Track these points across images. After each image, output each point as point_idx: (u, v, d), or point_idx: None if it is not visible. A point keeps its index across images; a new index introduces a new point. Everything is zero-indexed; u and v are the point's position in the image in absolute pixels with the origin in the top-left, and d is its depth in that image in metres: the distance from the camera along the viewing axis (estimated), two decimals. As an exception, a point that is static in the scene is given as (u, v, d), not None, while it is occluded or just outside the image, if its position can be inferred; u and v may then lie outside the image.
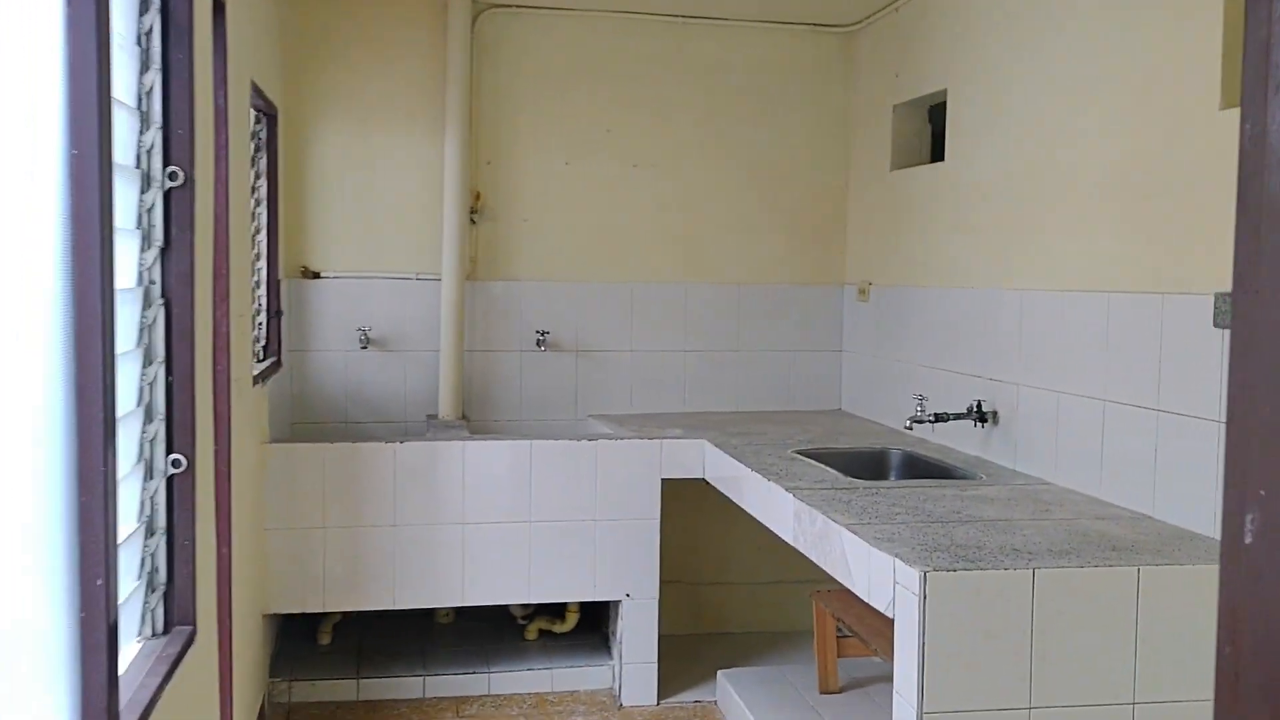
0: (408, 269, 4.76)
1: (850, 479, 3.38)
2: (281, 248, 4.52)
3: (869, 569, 2.57)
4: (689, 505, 4.68)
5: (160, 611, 2.11)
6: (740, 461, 3.69)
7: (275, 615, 4.23)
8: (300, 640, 4.46)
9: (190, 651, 2.09)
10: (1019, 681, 2.34)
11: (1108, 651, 2.38)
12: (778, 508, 3.25)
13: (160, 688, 1.86)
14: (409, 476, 3.96)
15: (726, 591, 4.92)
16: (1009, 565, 2.37)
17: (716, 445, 4.02)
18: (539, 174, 4.84)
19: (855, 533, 2.67)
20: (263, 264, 4.29)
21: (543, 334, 4.82)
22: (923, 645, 2.31)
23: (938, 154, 4.45)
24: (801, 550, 3.05)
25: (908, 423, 3.69)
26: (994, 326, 3.67)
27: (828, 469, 3.53)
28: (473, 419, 4.81)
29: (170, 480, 2.13)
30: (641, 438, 4.15)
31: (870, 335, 4.72)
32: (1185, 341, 2.74)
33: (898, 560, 2.42)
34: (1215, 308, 2.62)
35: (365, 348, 4.71)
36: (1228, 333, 2.54)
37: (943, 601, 2.31)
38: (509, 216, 4.83)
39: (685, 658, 4.53)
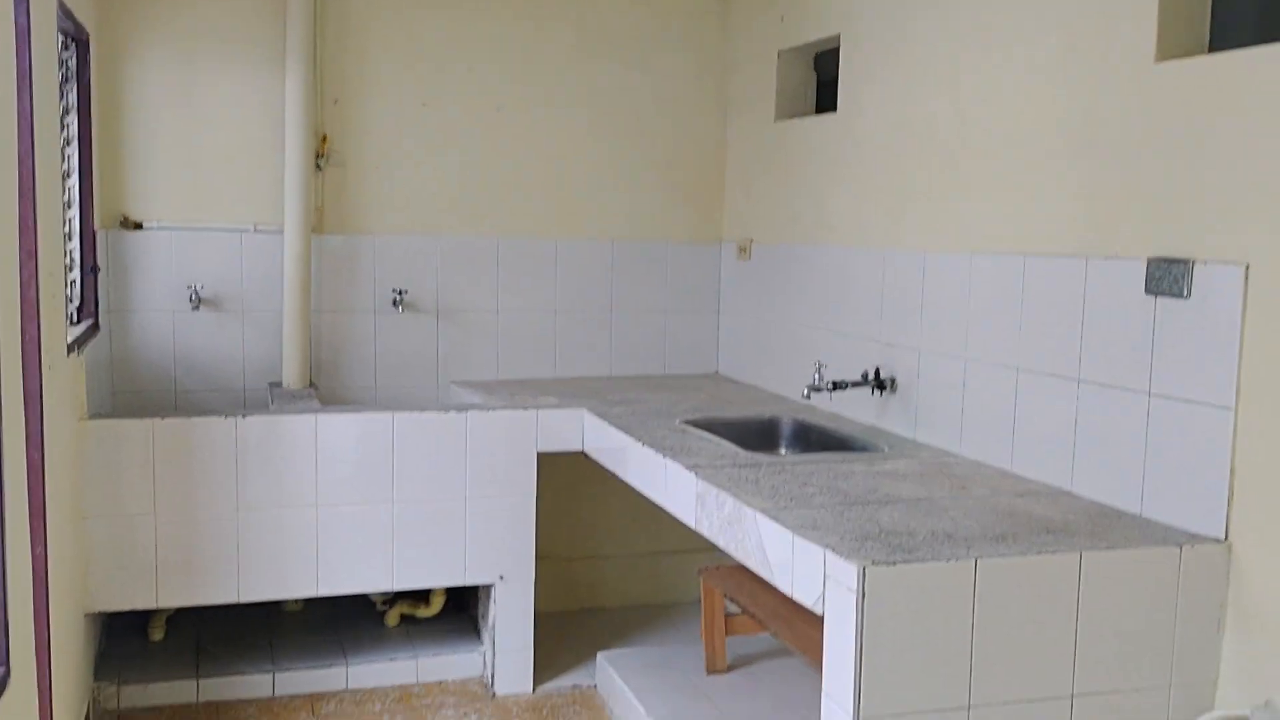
0: (244, 220, 4.26)
1: (750, 453, 3.15)
2: (97, 194, 3.96)
3: (792, 560, 2.34)
4: (558, 476, 4.38)
5: (-42, 651, 1.69)
6: (627, 434, 3.41)
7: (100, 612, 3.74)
8: (129, 636, 3.97)
9: (3, 699, 1.68)
10: (958, 679, 2.16)
11: (1048, 642, 2.22)
12: (676, 487, 3.00)
13: (-40, 758, 1.46)
14: (253, 454, 3.52)
15: (600, 565, 4.66)
16: (950, 556, 2.17)
17: (597, 415, 3.74)
18: (393, 115, 4.40)
19: (775, 519, 2.43)
20: (74, 213, 3.74)
21: (399, 293, 4.41)
22: (860, 646, 2.09)
23: (823, 104, 4.24)
24: (705, 534, 2.81)
25: (805, 391, 3.48)
26: (892, 289, 3.49)
27: (723, 441, 3.29)
28: (322, 387, 4.37)
29: (-33, 488, 1.70)
30: (514, 408, 3.82)
31: (751, 296, 4.50)
32: (1112, 308, 2.59)
33: (830, 552, 2.20)
34: (1149, 274, 2.47)
35: (197, 308, 4.19)
36: (1160, 300, 2.40)
37: (882, 598, 2.10)
38: (360, 162, 4.38)
39: (560, 638, 4.26)
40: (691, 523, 2.89)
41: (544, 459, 3.87)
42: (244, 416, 3.52)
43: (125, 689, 3.62)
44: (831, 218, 3.87)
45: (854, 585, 2.09)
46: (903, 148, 3.44)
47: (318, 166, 4.30)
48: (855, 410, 3.68)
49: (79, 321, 3.78)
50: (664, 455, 3.09)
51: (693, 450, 3.16)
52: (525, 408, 3.82)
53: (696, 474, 2.87)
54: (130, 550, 3.43)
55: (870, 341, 3.60)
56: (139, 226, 4.14)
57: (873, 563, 2.11)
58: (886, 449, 3.24)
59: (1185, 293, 2.37)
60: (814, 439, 3.59)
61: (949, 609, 2.15)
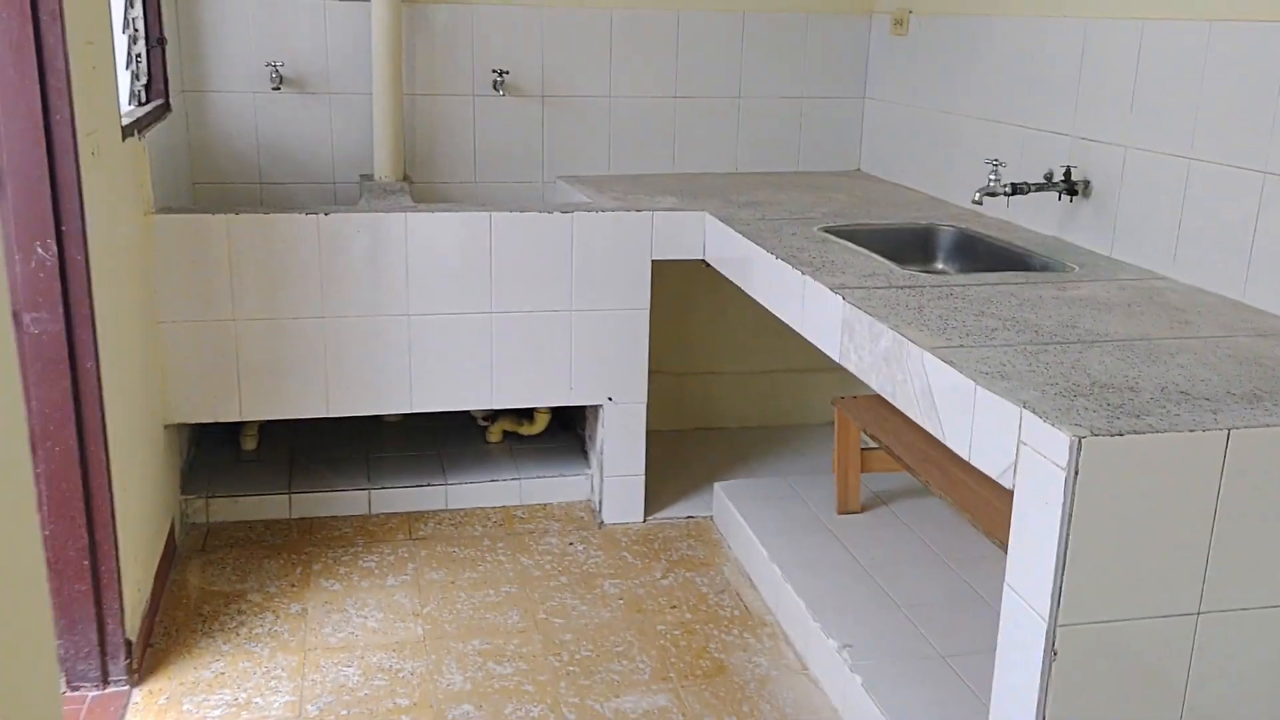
0: (327, -14, 3.75)
1: (909, 271, 2.62)
2: (158, -46, 3.48)
3: (972, 417, 1.86)
4: (673, 284, 3.94)
5: None
6: (757, 244, 2.91)
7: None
8: (221, 447, 3.75)
9: None
10: (1188, 579, 1.69)
11: (1308, 536, 1.72)
12: (817, 311, 2.51)
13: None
14: (339, 256, 3.14)
15: (714, 382, 4.26)
16: (1192, 424, 1.66)
17: (722, 219, 3.23)
18: None
19: (949, 362, 1.94)
20: (133, -25, 3.28)
21: (501, 74, 3.89)
22: (1067, 537, 1.63)
23: None
24: (853, 370, 2.33)
25: (977, 195, 2.90)
26: (1094, 69, 2.83)
27: (873, 255, 2.76)
28: (416, 181, 3.94)
29: None
30: (628, 209, 3.34)
31: (905, 79, 3.85)
32: None
33: (1029, 413, 1.71)
34: None
35: (279, 88, 3.75)
36: None
37: (1101, 477, 1.62)
38: (455, -81, 3.79)
39: (672, 461, 3.92)
40: (835, 354, 2.42)
41: (658, 267, 3.41)
42: (326, 214, 3.12)
43: (214, 503, 3.42)
44: (1016, -18, 3.17)
45: (1064, 460, 1.61)
46: (1123, -114, 2.71)
47: (406, -77, 3.73)
48: (1031, 219, 3.09)
49: (148, 101, 3.38)
50: (802, 271, 2.60)
51: (836, 265, 2.65)
52: (639, 209, 3.33)
53: (844, 297, 2.37)
54: (210, 359, 3.14)
55: (1059, 136, 2.97)
56: (209, -7, 3.67)
57: (1091, 432, 1.61)
58: (1076, 269, 2.68)
59: None
60: (981, 254, 3.04)
61: (1184, 492, 1.65)
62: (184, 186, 3.70)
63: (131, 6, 3.31)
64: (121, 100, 3.25)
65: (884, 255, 2.78)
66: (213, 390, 3.16)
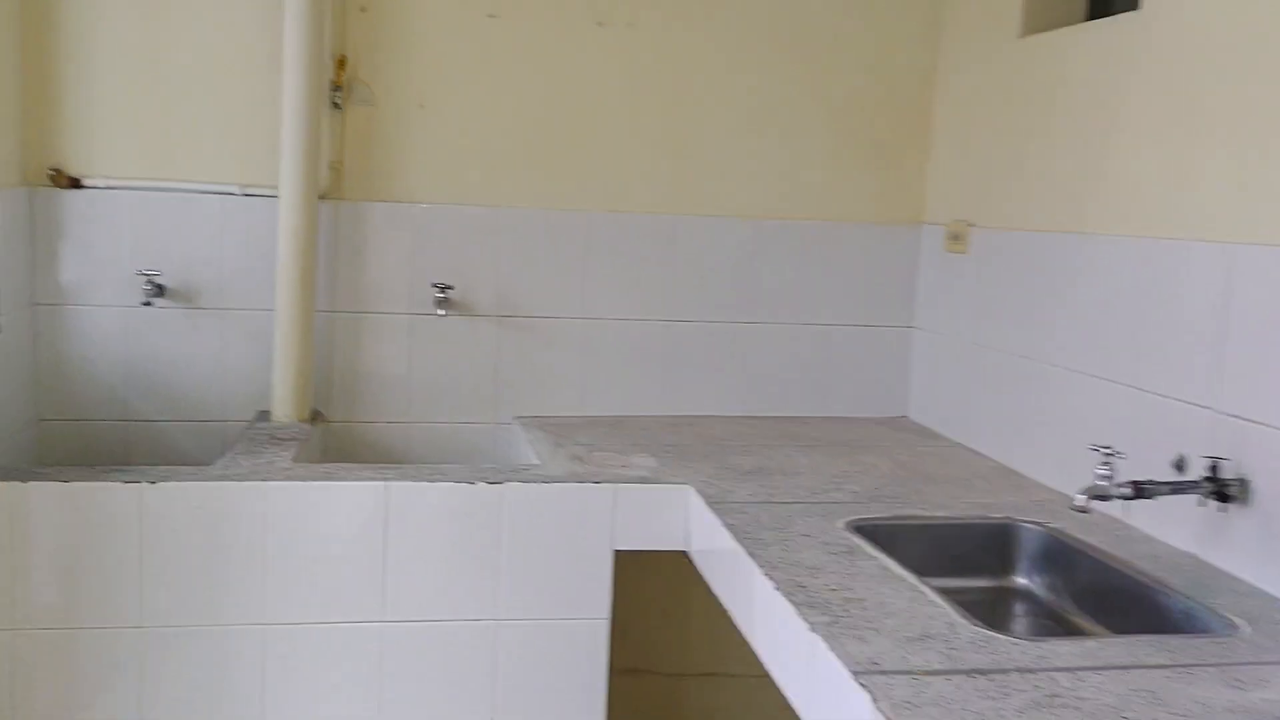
0: (226, 177, 2.99)
1: (983, 629, 1.64)
2: (16, 137, 2.75)
3: None
4: (661, 562, 2.98)
5: None
6: (751, 555, 1.97)
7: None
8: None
9: None
10: None
11: None
12: (830, 698, 1.53)
13: None
14: (168, 542, 2.25)
15: (720, 686, 3.24)
16: None
17: (710, 501, 2.30)
18: (446, 30, 3.04)
19: None
20: (-48, 160, 2.54)
21: (444, 289, 3.06)
22: None
23: (1100, 6, 2.67)
24: (889, 837, 1.33)
25: (1080, 499, 1.91)
26: (1245, 314, 1.92)
27: (924, 589, 1.80)
28: (333, 419, 3.07)
29: None
30: (582, 479, 2.42)
31: (966, 307, 2.96)
32: None
33: None
34: None
35: (149, 304, 2.94)
36: None
37: None
38: (396, 98, 3.05)
39: (650, 813, 2.86)
40: (861, 794, 1.42)
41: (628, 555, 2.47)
42: (152, 484, 2.24)
43: None
44: (1120, 188, 2.31)
45: None
46: (1253, 67, 1.86)
47: (335, 104, 3.00)
48: (1153, 521, 2.12)
49: (-36, 319, 2.59)
50: (811, 625, 1.63)
51: (866, 609, 1.70)
52: (599, 480, 2.42)
53: (874, 695, 1.40)
54: (-25, 682, 2.21)
55: (1192, 408, 2.03)
56: (77, 184, 2.91)
57: None
58: (1241, 626, 1.68)
59: None
60: (1083, 574, 2.05)
61: None
62: (21, 425, 2.86)
63: (-50, 199, 2.56)
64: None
65: (939, 573, 1.85)
66: (-27, 730, 2.22)
